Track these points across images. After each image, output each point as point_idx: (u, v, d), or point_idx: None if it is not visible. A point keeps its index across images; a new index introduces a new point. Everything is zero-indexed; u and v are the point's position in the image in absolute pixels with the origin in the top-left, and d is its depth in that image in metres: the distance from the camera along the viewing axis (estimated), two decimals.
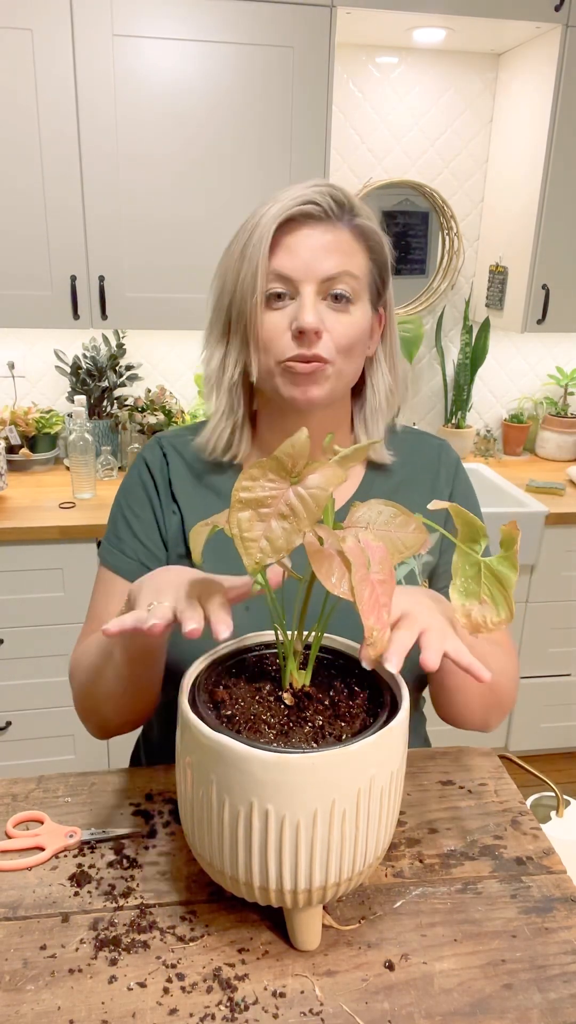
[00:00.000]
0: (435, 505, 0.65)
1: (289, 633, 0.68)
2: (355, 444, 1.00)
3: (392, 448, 1.02)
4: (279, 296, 0.86)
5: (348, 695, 0.69)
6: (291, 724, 0.65)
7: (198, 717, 0.63)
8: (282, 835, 0.60)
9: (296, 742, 0.63)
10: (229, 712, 0.66)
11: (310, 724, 0.65)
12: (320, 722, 0.65)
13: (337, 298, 0.86)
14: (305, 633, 0.70)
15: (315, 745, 0.62)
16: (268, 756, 0.58)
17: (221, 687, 0.69)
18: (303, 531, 0.57)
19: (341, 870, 0.62)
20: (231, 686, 0.69)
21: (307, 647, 0.71)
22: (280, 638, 0.69)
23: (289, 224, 0.84)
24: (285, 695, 0.68)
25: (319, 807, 0.59)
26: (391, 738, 0.63)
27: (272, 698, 0.68)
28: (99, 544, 1.03)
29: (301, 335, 0.85)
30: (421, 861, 0.79)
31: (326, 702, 0.68)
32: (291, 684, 0.69)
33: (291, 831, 0.60)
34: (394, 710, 0.66)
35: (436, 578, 1.03)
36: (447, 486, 1.03)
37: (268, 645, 0.76)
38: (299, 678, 0.69)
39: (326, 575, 0.57)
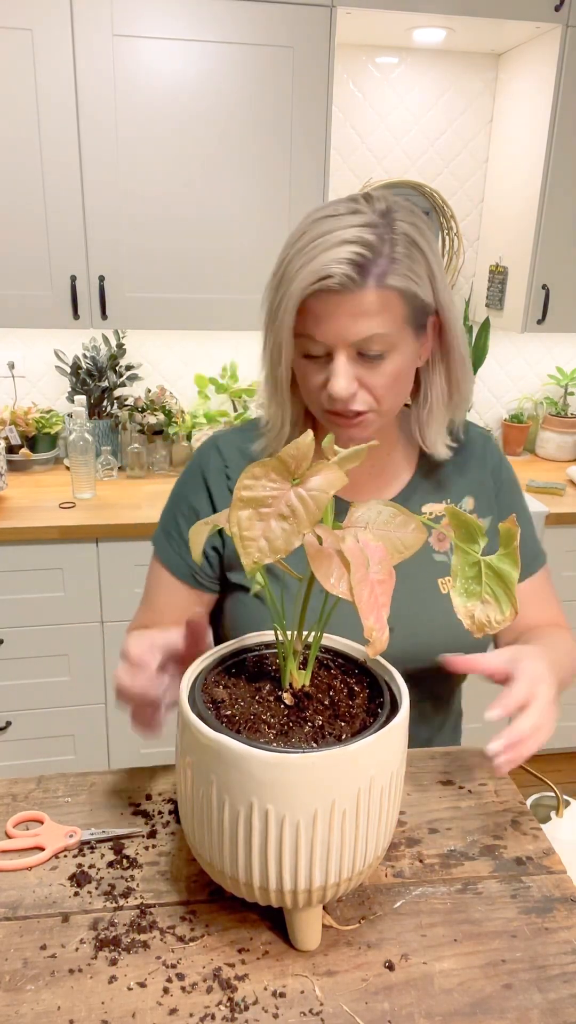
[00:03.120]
0: (429, 508, 0.65)
1: (289, 633, 0.68)
2: (404, 440, 1.03)
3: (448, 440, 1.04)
4: (317, 355, 0.88)
5: (348, 695, 0.69)
6: (291, 724, 0.65)
7: (198, 717, 0.63)
8: (282, 835, 0.60)
9: (296, 742, 0.63)
10: (229, 712, 0.66)
11: (310, 724, 0.65)
12: (320, 722, 0.65)
13: (369, 356, 0.87)
14: (305, 633, 0.69)
15: (315, 745, 0.62)
16: (268, 756, 0.58)
17: (221, 687, 0.69)
18: (302, 532, 0.57)
19: (341, 870, 0.62)
20: (231, 686, 0.69)
21: (308, 647, 0.71)
22: (280, 638, 0.69)
23: (315, 292, 0.84)
24: (285, 695, 0.68)
25: (319, 807, 0.59)
26: (391, 738, 0.62)
27: (272, 698, 0.68)
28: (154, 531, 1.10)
29: (334, 399, 0.88)
30: (421, 861, 0.79)
31: (326, 702, 0.68)
32: (291, 684, 0.69)
33: (291, 831, 0.60)
34: (394, 710, 0.66)
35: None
36: (493, 476, 1.06)
37: (268, 645, 0.76)
38: (299, 678, 0.69)
39: (325, 575, 0.57)
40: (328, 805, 0.59)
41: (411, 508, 1.02)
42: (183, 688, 0.67)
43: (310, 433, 0.59)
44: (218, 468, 1.02)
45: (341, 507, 1.02)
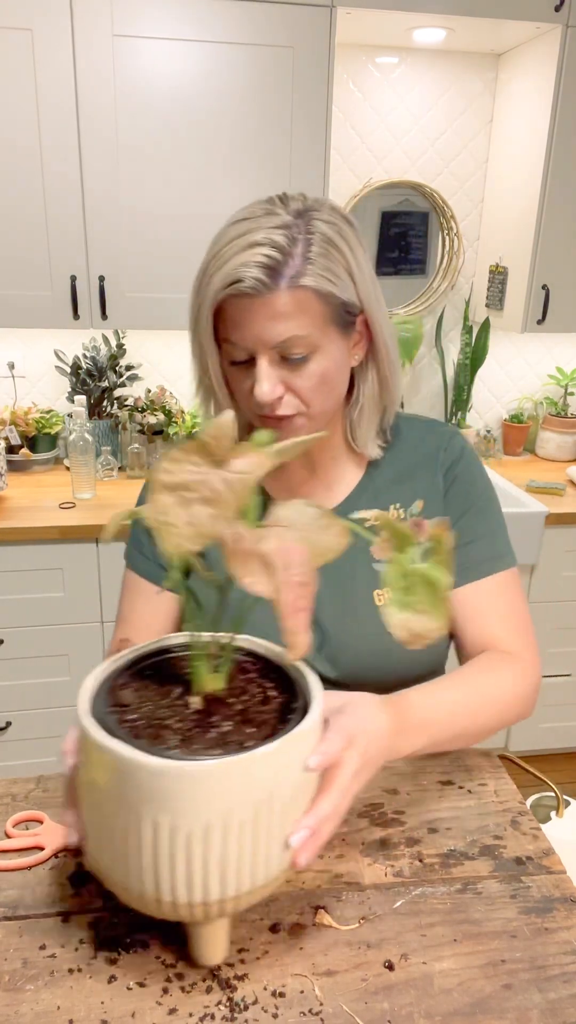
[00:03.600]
0: (362, 514, 0.64)
1: (203, 634, 0.65)
2: (349, 445, 1.00)
3: (396, 439, 1.02)
4: (243, 360, 0.87)
5: (262, 700, 0.65)
6: (196, 730, 0.61)
7: (97, 721, 0.59)
8: (174, 847, 0.56)
9: (196, 749, 0.59)
10: (133, 716, 0.62)
11: (215, 730, 0.61)
12: (227, 728, 0.62)
13: (292, 359, 0.85)
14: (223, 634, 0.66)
15: (216, 753, 0.58)
16: (157, 764, 0.55)
17: (130, 689, 0.65)
18: (227, 517, 0.54)
19: (241, 883, 0.59)
20: (141, 688, 0.66)
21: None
22: (192, 640, 0.65)
23: (230, 296, 0.83)
24: (194, 699, 0.64)
25: (212, 818, 0.56)
26: (294, 746, 0.59)
27: (181, 703, 0.65)
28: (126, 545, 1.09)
29: (260, 404, 0.87)
30: (421, 861, 0.79)
31: (238, 707, 0.64)
32: (203, 688, 0.65)
33: (184, 843, 0.56)
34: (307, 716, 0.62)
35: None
36: (446, 474, 1.01)
37: (192, 646, 0.71)
38: (210, 682, 0.65)
39: (244, 574, 0.54)
40: (222, 817, 0.56)
41: (355, 512, 0.99)
42: (83, 691, 0.63)
43: (230, 413, 0.57)
44: None
45: None
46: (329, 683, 0.96)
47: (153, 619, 1.03)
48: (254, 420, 0.92)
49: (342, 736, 0.67)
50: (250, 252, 0.81)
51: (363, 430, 0.98)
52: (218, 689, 0.65)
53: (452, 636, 1.02)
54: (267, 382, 0.85)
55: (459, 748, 0.91)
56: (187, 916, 0.60)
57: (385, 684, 0.90)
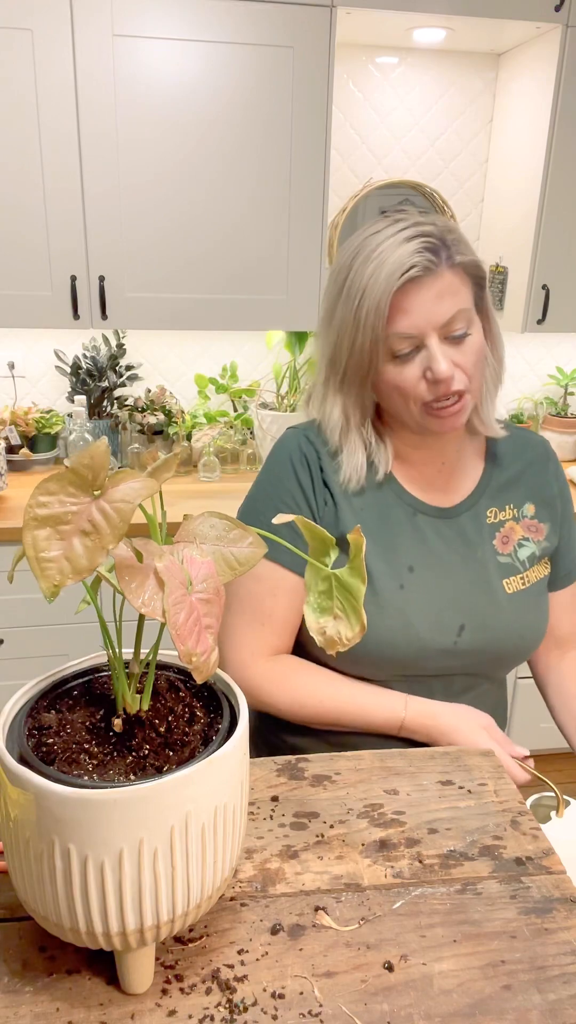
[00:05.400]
0: (279, 519, 0.63)
1: (125, 652, 0.63)
2: (474, 439, 1.08)
3: (500, 442, 1.10)
4: (406, 352, 0.93)
5: (188, 720, 0.63)
6: (114, 754, 0.60)
7: (14, 745, 0.58)
8: (86, 876, 0.55)
9: (112, 775, 0.57)
10: (51, 740, 0.60)
11: (134, 754, 0.59)
12: (146, 751, 0.60)
13: (455, 335, 0.93)
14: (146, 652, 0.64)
15: (132, 778, 0.57)
16: (63, 792, 0.53)
17: (54, 711, 0.63)
18: (106, 548, 0.52)
19: (159, 912, 0.57)
20: (65, 709, 0.64)
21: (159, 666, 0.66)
22: (111, 658, 0.63)
23: (402, 286, 0.89)
24: (116, 721, 0.62)
25: (124, 847, 0.54)
26: (212, 771, 0.57)
27: (103, 724, 0.63)
28: None
29: (438, 382, 0.92)
30: (420, 861, 0.79)
31: (161, 728, 0.62)
32: (125, 709, 0.63)
33: (95, 872, 0.55)
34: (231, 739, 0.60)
35: (556, 560, 1.11)
36: (554, 480, 1.11)
37: (125, 664, 0.68)
38: (133, 703, 0.63)
39: (135, 594, 0.52)
40: (135, 844, 0.54)
41: (479, 508, 1.06)
42: (4, 711, 0.61)
43: (104, 440, 0.56)
44: (312, 456, 1.03)
45: (419, 506, 1.04)
46: (468, 674, 1.06)
47: (297, 613, 1.03)
48: (417, 413, 0.96)
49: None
50: (409, 244, 0.89)
51: (488, 408, 1.05)
52: (142, 710, 0.63)
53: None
54: (443, 359, 0.91)
55: None
56: (108, 945, 0.59)
57: (515, 662, 1.06)
